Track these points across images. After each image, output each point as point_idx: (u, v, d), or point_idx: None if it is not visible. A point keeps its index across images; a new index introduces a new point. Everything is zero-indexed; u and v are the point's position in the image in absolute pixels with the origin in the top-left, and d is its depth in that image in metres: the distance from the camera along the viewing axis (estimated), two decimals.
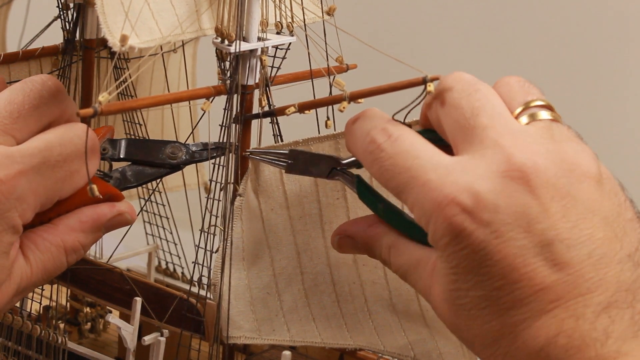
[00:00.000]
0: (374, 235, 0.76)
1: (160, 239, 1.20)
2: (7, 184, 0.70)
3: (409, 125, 0.73)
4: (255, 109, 0.86)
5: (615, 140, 1.66)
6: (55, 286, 0.98)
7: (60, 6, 1.02)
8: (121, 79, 1.08)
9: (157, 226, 1.19)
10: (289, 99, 0.84)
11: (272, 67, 0.86)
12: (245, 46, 0.82)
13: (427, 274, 0.70)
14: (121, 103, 0.82)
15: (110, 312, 0.95)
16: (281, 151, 0.82)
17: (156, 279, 1.19)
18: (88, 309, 1.13)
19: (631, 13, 1.68)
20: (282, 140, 0.89)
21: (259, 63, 0.84)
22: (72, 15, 1.02)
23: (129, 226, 0.83)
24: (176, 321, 0.90)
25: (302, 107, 0.82)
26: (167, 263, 1.23)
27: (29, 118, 0.74)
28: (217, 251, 0.86)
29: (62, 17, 1.02)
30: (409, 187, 0.68)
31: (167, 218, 1.19)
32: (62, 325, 1.01)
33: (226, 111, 0.84)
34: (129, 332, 0.91)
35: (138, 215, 0.84)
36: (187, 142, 0.86)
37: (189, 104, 1.18)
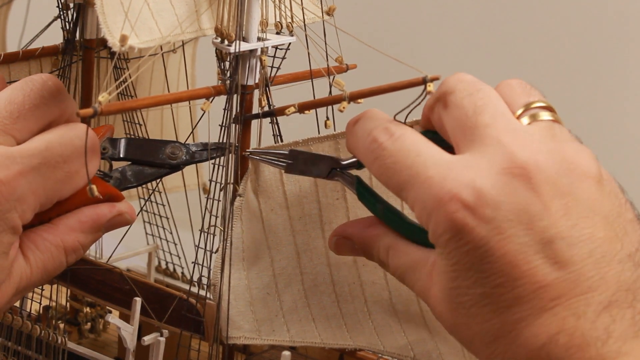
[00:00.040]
0: (372, 237, 0.76)
1: (160, 239, 1.20)
2: (7, 184, 0.70)
3: (410, 126, 0.73)
4: (255, 109, 0.86)
5: (615, 141, 1.66)
6: (55, 286, 0.98)
7: (60, 6, 1.02)
8: (121, 79, 1.08)
9: (157, 226, 1.19)
10: (289, 99, 0.84)
11: (272, 67, 0.86)
12: (245, 46, 0.82)
13: (425, 275, 0.70)
14: (121, 103, 0.82)
15: (110, 312, 0.95)
16: (281, 151, 0.82)
17: (156, 279, 1.19)
18: (88, 309, 1.13)
19: (631, 13, 1.68)
20: (282, 140, 0.89)
21: (258, 63, 0.84)
22: (72, 15, 1.02)
23: (128, 226, 0.83)
24: (176, 321, 0.90)
25: (302, 107, 0.82)
26: (167, 263, 1.23)
27: (29, 118, 0.74)
28: (217, 251, 0.86)
29: (62, 17, 1.02)
30: (409, 184, 0.68)
31: (167, 218, 1.19)
32: (62, 325, 1.01)
33: (226, 111, 0.84)
34: (128, 332, 0.91)
35: (138, 215, 0.84)
36: (187, 142, 0.86)
37: (189, 104, 1.18)
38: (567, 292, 0.64)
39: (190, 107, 1.19)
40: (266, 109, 0.86)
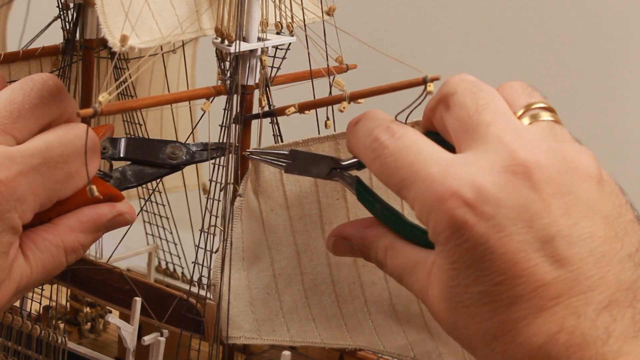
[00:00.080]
0: (370, 237, 0.76)
1: (160, 239, 1.20)
2: (7, 185, 0.70)
3: (411, 127, 0.73)
4: (255, 109, 0.86)
5: (615, 141, 1.66)
6: (55, 286, 0.98)
7: (60, 6, 1.02)
8: (121, 79, 1.08)
9: (157, 226, 1.19)
10: (289, 99, 0.84)
11: (272, 67, 0.86)
12: (245, 46, 0.82)
13: (424, 275, 0.70)
14: (121, 103, 0.82)
15: (110, 312, 0.95)
16: (281, 151, 0.82)
17: (156, 279, 1.19)
18: (88, 309, 1.13)
19: (631, 13, 1.68)
20: (282, 141, 0.89)
21: (258, 63, 0.84)
22: (72, 15, 1.02)
23: (129, 226, 0.83)
24: (176, 321, 0.90)
25: (302, 107, 0.82)
26: (167, 263, 1.23)
27: (30, 118, 0.74)
28: (217, 251, 0.86)
29: (62, 17, 1.02)
30: (410, 181, 0.68)
31: (167, 218, 1.19)
32: (62, 325, 1.01)
33: (226, 111, 0.84)
34: (128, 332, 0.91)
35: (138, 215, 0.84)
36: (187, 142, 0.86)
37: (189, 104, 1.18)
38: (567, 290, 0.64)
39: (190, 107, 1.19)
40: (266, 109, 0.86)
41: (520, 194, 0.65)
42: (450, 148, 0.70)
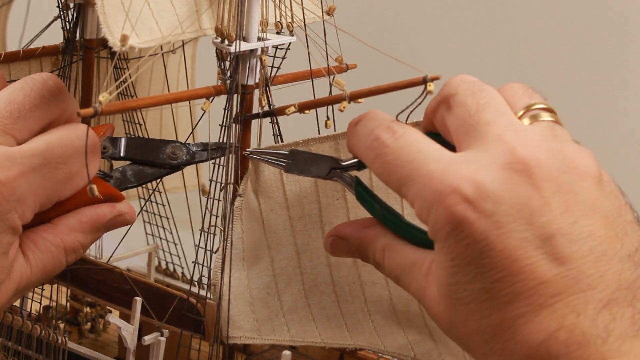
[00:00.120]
0: (368, 237, 0.76)
1: (160, 239, 1.20)
2: (7, 185, 0.70)
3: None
4: (255, 109, 0.86)
5: (615, 141, 1.66)
6: (55, 286, 0.98)
7: (61, 6, 1.02)
8: (121, 79, 1.08)
9: (157, 226, 1.19)
10: (289, 99, 0.84)
11: (272, 67, 0.86)
12: (245, 46, 0.82)
13: (422, 275, 0.70)
14: (121, 103, 0.82)
15: (110, 312, 0.95)
16: (281, 151, 0.82)
17: (156, 279, 1.19)
18: (88, 309, 1.13)
19: (631, 13, 1.68)
20: (282, 140, 0.89)
21: (259, 63, 0.84)
22: (72, 15, 1.02)
23: (129, 226, 0.83)
24: (176, 321, 0.90)
25: (302, 107, 0.82)
26: (167, 263, 1.23)
27: (30, 118, 0.74)
28: (217, 251, 0.86)
29: (62, 17, 1.02)
30: (410, 179, 0.68)
31: (167, 218, 1.19)
32: (62, 325, 1.01)
33: (226, 111, 0.84)
34: (129, 332, 0.91)
35: (138, 215, 0.84)
36: (187, 142, 0.86)
37: (189, 104, 1.18)
38: (567, 289, 0.64)
39: (190, 107, 1.19)
40: (266, 108, 0.86)
41: (520, 192, 0.65)
42: (451, 149, 0.70)
